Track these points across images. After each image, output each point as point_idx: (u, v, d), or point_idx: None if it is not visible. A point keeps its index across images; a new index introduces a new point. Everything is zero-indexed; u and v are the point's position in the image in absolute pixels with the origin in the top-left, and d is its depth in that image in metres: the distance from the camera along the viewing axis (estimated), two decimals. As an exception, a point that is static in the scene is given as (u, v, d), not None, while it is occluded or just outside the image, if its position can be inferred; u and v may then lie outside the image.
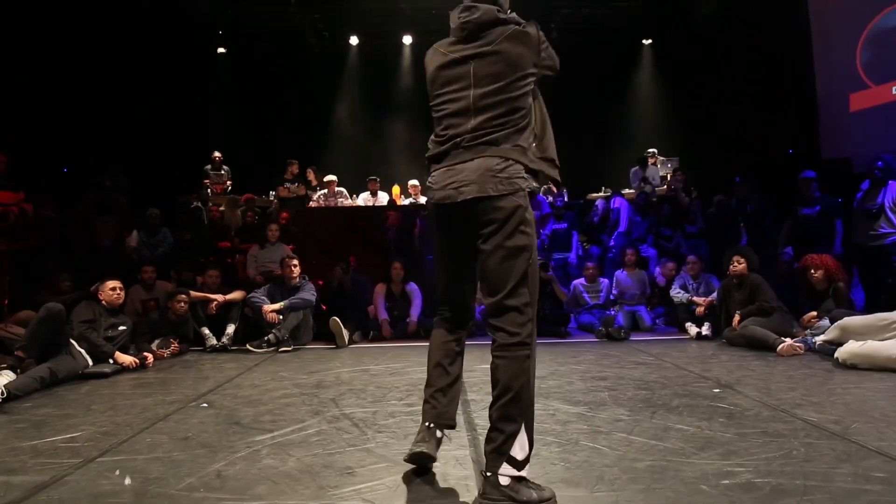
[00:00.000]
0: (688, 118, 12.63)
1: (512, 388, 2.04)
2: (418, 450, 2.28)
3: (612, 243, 8.58)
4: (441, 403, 2.33)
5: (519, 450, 2.02)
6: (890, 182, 6.38)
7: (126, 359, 4.87)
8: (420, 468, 2.39)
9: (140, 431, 3.04)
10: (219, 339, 5.96)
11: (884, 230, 6.28)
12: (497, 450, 2.02)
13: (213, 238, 8.48)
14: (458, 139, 2.23)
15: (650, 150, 10.93)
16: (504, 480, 2.00)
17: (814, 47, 10.50)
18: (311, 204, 10.34)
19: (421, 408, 2.38)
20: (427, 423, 2.33)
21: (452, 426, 2.37)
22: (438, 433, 2.34)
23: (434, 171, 2.31)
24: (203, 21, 12.17)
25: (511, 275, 2.10)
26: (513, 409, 2.03)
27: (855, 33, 9.88)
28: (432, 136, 2.36)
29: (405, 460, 2.35)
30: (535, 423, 2.12)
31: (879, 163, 6.41)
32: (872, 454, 2.50)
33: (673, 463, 2.43)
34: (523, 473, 2.01)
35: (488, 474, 2.03)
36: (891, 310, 4.63)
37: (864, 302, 6.43)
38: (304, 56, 13.06)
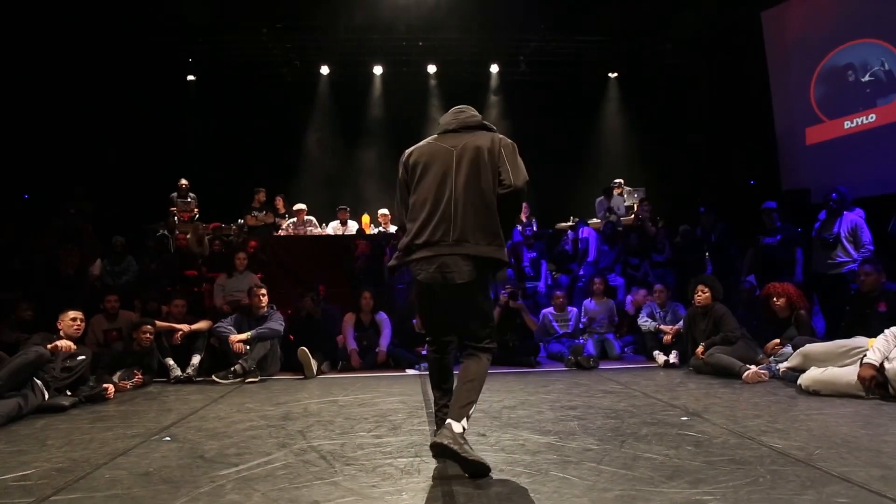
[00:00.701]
0: (653, 149, 12.94)
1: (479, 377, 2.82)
2: (435, 441, 2.71)
3: (581, 272, 8.66)
4: (447, 400, 2.96)
5: (471, 411, 2.73)
6: (844, 213, 6.60)
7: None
8: None
9: (98, 467, 2.94)
10: (183, 370, 5.83)
11: (841, 259, 6.48)
12: (461, 409, 2.71)
13: (179, 266, 8.34)
14: None
15: (616, 180, 11.13)
16: (457, 427, 2.66)
17: (771, 83, 10.91)
18: (280, 232, 10.27)
19: (385, 443, 2.44)
20: (441, 420, 2.92)
21: (458, 419, 2.76)
22: (455, 427, 2.74)
23: None
24: (173, 48, 12.14)
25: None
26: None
27: (809, 71, 10.32)
28: None
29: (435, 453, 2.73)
30: (505, 454, 2.75)
31: (834, 194, 6.63)
32: (835, 480, 2.53)
33: (642, 492, 2.44)
34: (466, 425, 2.71)
35: (447, 421, 2.69)
36: (850, 336, 4.75)
37: (824, 329, 6.58)
38: (275, 85, 13.09)
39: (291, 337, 6.57)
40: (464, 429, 2.68)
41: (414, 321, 7.05)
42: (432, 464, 2.88)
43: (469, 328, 2.90)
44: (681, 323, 6.42)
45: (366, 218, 10.80)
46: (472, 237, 2.79)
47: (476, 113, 3.06)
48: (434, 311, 3.00)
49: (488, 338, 2.90)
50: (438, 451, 2.66)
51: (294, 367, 6.13)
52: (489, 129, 3.03)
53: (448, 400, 2.96)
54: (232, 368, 5.76)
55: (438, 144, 2.98)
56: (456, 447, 2.61)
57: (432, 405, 3.12)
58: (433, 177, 2.89)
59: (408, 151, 3.05)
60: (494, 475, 2.69)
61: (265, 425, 3.81)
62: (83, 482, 2.72)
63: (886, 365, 4.21)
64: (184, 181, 10.45)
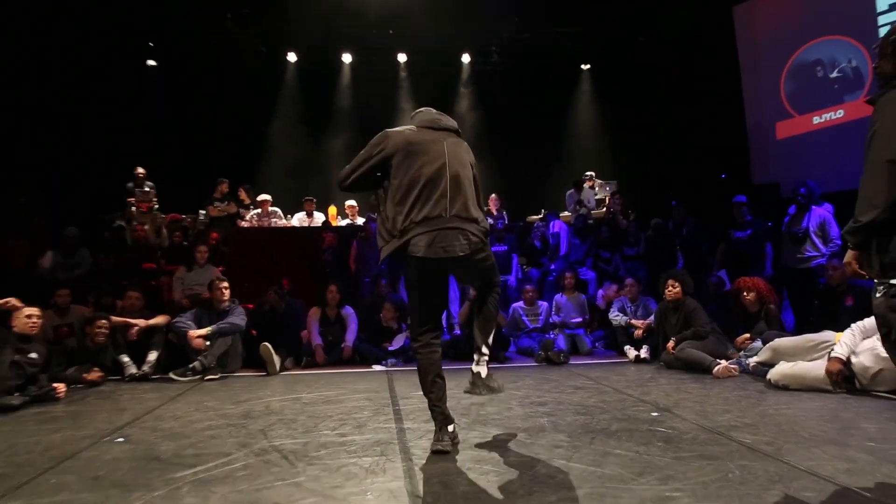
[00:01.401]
0: (625, 142, 13.04)
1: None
2: (438, 448, 2.99)
3: (552, 267, 8.69)
4: (443, 408, 3.06)
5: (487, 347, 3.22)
6: (813, 207, 6.71)
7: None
8: None
9: (44, 472, 2.84)
10: (139, 368, 5.70)
11: (809, 253, 6.60)
12: (483, 350, 3.19)
13: (137, 259, 8.16)
14: None
15: (588, 172, 11.19)
16: (483, 371, 3.18)
17: (742, 77, 11.08)
18: (243, 224, 10.11)
19: (349, 442, 2.35)
20: (440, 426, 3.06)
21: (452, 421, 3.11)
22: (450, 428, 3.07)
23: None
24: (133, 31, 11.83)
25: None
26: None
27: (779, 65, 10.49)
28: None
29: (435, 452, 2.98)
30: (473, 452, 2.97)
31: (802, 189, 6.74)
32: (803, 474, 2.57)
33: (612, 490, 2.43)
34: (486, 358, 3.21)
35: (475, 370, 3.18)
36: (818, 331, 4.84)
37: (793, 323, 6.70)
38: (240, 72, 12.84)
39: (254, 332, 6.47)
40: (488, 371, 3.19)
41: (381, 315, 7.01)
42: (398, 463, 2.84)
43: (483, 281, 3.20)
44: (652, 317, 6.47)
45: (332, 209, 10.69)
46: (468, 213, 3.02)
47: (451, 121, 3.25)
48: (430, 292, 3.09)
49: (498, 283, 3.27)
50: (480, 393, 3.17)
51: (256, 363, 6.04)
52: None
53: (442, 398, 3.07)
54: (191, 365, 5.65)
55: (425, 134, 3.10)
56: (493, 387, 3.18)
57: (398, 403, 3.10)
58: (429, 159, 3.02)
59: (389, 132, 3.09)
60: (461, 474, 2.67)
61: (225, 424, 3.73)
62: (26, 488, 2.62)
63: (853, 359, 4.30)
64: (140, 169, 10.17)
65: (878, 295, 2.29)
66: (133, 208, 9.79)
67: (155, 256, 8.35)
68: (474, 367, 3.20)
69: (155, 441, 3.35)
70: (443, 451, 2.97)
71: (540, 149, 13.17)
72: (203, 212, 10.11)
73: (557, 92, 13.88)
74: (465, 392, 3.23)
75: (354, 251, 8.64)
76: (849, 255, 2.47)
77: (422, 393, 3.08)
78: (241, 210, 10.27)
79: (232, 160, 11.98)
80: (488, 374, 3.20)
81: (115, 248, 8.48)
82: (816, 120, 9.91)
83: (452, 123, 3.23)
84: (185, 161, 11.85)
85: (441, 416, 3.05)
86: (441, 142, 3.08)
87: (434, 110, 3.26)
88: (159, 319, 6.05)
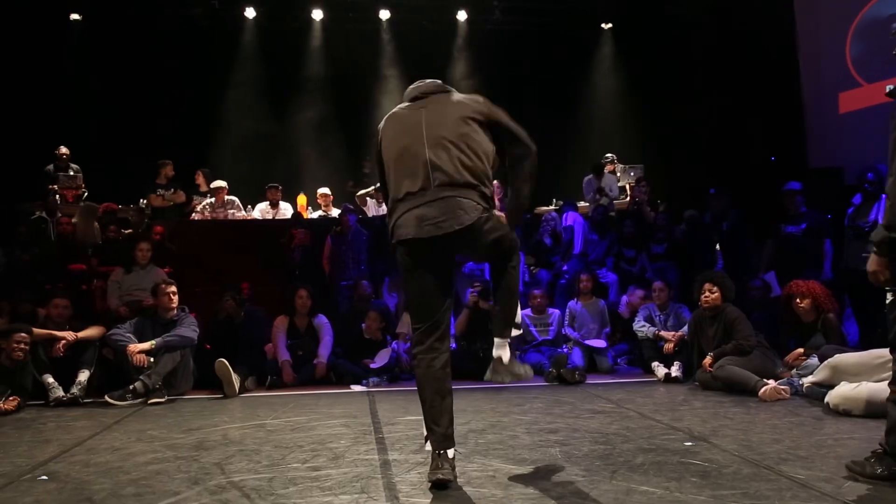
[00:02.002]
0: (654, 119, 13.07)
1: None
2: (438, 477, 2.97)
3: (565, 268, 8.73)
4: (443, 427, 3.05)
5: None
6: (883, 196, 6.74)
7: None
8: None
9: (-45, 513, 2.85)
10: (67, 390, 5.68)
11: (878, 252, 6.62)
12: (506, 329, 3.31)
13: (62, 259, 8.14)
14: None
15: (608, 155, 11.23)
16: (506, 356, 3.25)
17: (799, 39, 11.05)
18: (195, 216, 10.10)
19: (324, 477, 2.38)
20: (437, 451, 3.03)
21: (453, 445, 3.08)
22: (450, 453, 3.05)
23: None
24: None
25: None
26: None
27: (844, 23, 10.40)
28: None
29: (431, 489, 2.98)
30: (471, 489, 2.97)
31: (870, 174, 6.76)
32: (867, 516, 2.61)
33: (638, 533, 2.47)
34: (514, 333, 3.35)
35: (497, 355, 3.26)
36: (887, 345, 4.87)
37: (857, 336, 6.74)
38: (186, 30, 12.81)
39: (208, 346, 6.48)
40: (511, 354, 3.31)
41: (363, 325, 7.04)
42: (381, 501, 2.87)
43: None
44: (685, 329, 6.51)
45: (302, 199, 10.70)
46: (461, 176, 3.06)
47: (435, 80, 3.37)
48: (426, 282, 3.15)
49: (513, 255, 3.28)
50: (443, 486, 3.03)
51: (211, 383, 6.05)
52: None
53: (444, 417, 3.08)
54: (131, 386, 5.64)
55: (405, 109, 3.29)
56: (517, 373, 3.32)
57: (382, 430, 3.12)
58: (403, 129, 3.21)
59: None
60: (458, 515, 2.69)
61: (173, 457, 3.74)
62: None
63: (928, 379, 4.33)
64: (63, 149, 10.13)
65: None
66: (56, 196, 9.76)
67: (85, 255, 8.32)
68: (495, 351, 3.27)
69: (87, 479, 3.36)
70: (443, 481, 2.97)
71: (551, 126, 13.13)
72: (143, 201, 10.09)
73: (572, 57, 13.90)
74: (486, 378, 3.34)
75: (328, 249, 8.65)
76: (876, 263, 2.67)
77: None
78: (196, 199, 10.27)
79: (177, 138, 11.93)
80: (511, 359, 3.28)
81: (35, 244, 8.45)
82: (890, 89, 9.88)
83: (434, 83, 3.33)
84: (120, 139, 11.81)
85: (441, 439, 3.04)
86: (419, 109, 3.22)
87: (424, 81, 3.36)
88: (91, 332, 6.03)
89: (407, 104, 3.31)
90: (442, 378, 3.13)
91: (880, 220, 6.85)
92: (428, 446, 3.07)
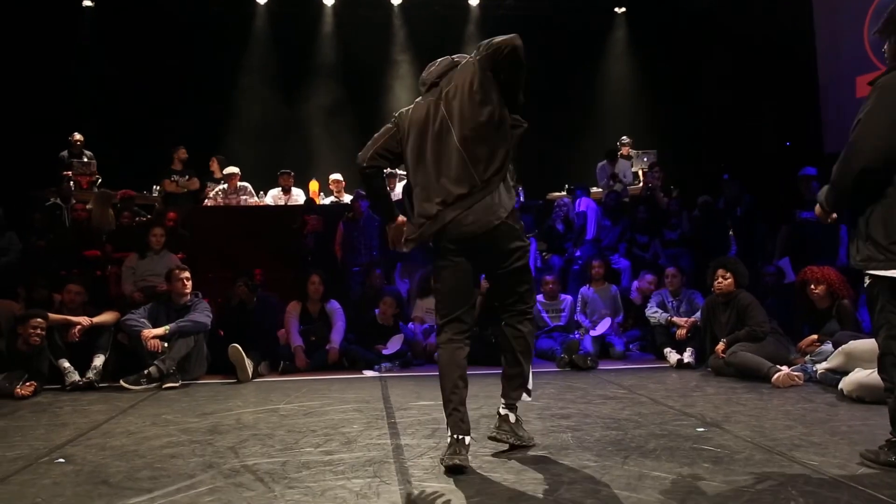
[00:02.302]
0: (668, 103, 12.99)
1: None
2: (455, 462, 3.06)
3: (577, 253, 8.71)
4: (463, 414, 3.18)
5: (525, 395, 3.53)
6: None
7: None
8: None
9: (-27, 496, 2.89)
10: (83, 375, 5.73)
11: (893, 238, 6.57)
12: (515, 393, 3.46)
13: (77, 245, 8.20)
14: None
15: (623, 138, 11.17)
16: (512, 419, 3.41)
17: (815, 19, 10.90)
18: (208, 202, 10.13)
19: (336, 461, 2.39)
20: (456, 436, 3.12)
21: (469, 433, 3.20)
22: (467, 440, 3.15)
23: None
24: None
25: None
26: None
27: (863, 5, 10.26)
28: None
29: (445, 473, 3.05)
30: (483, 473, 2.98)
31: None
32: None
33: (649, 518, 2.47)
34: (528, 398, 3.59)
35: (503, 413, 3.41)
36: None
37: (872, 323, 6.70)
38: (200, 16, 12.80)
39: (221, 332, 6.51)
40: (517, 417, 3.44)
41: (377, 311, 7.05)
42: (394, 486, 2.88)
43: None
44: (697, 315, 6.50)
45: (314, 185, 10.70)
46: (472, 181, 3.16)
47: (446, 59, 3.41)
48: (451, 279, 3.30)
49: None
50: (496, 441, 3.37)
51: (224, 368, 6.09)
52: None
53: (462, 404, 3.21)
54: (145, 371, 5.69)
55: (421, 100, 3.36)
56: (514, 440, 3.38)
57: (394, 415, 3.12)
58: (417, 131, 3.28)
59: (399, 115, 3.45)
60: (469, 499, 2.71)
61: (187, 441, 3.77)
62: (-47, 513, 2.68)
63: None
64: (77, 136, 10.18)
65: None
66: (71, 183, 9.82)
67: (99, 241, 8.37)
68: (501, 410, 3.43)
69: (103, 462, 3.40)
70: (459, 467, 3.04)
71: (564, 111, 13.11)
72: (157, 187, 10.14)
73: (585, 42, 13.80)
74: (489, 438, 3.40)
75: (341, 235, 8.67)
76: (817, 210, 3.56)
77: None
78: (210, 185, 10.31)
79: (190, 125, 11.92)
80: (517, 422, 3.44)
81: (50, 231, 8.51)
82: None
83: (446, 61, 3.38)
84: (133, 126, 11.83)
85: (459, 425, 3.13)
86: (429, 101, 3.29)
87: (437, 62, 3.41)
88: (106, 317, 6.07)
89: (425, 94, 3.36)
90: (462, 367, 3.23)
91: None
92: (451, 434, 3.13)
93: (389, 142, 3.38)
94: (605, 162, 10.66)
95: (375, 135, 3.43)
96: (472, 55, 3.22)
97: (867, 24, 10.18)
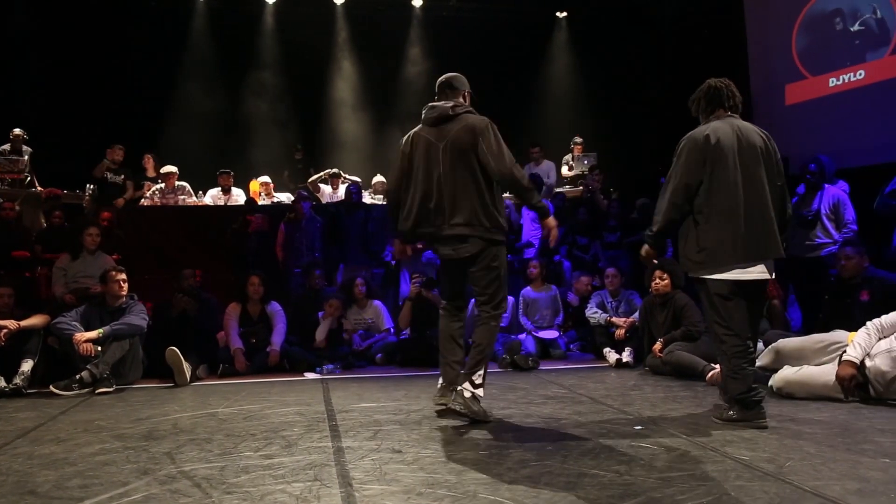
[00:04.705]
0: (608, 107, 13.21)
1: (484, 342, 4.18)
2: (439, 405, 4.16)
3: (528, 254, 8.77)
4: (455, 370, 4.16)
5: (478, 377, 4.07)
6: (826, 186, 6.92)
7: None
8: None
9: None
10: (9, 380, 5.55)
11: (820, 240, 6.81)
12: (467, 374, 4.06)
13: (5, 245, 7.93)
14: None
15: (575, 138, 11.42)
16: (466, 393, 4.00)
17: (747, 30, 11.24)
18: (144, 202, 9.92)
19: (276, 465, 2.65)
20: (445, 384, 4.17)
21: (463, 383, 4.05)
22: (466, 394, 3.98)
23: None
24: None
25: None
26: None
27: (791, 16, 10.61)
28: None
29: (437, 413, 4.15)
30: (424, 474, 3.05)
31: (812, 165, 6.93)
32: (808, 496, 2.69)
33: (588, 516, 2.51)
34: (479, 392, 4.05)
35: (457, 388, 4.05)
36: (828, 330, 5.02)
37: (800, 321, 6.93)
38: (136, 10, 12.53)
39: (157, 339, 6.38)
40: (474, 393, 4.03)
41: (320, 314, 7.02)
42: (335, 489, 2.87)
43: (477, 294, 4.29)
44: (636, 315, 6.62)
45: (255, 185, 10.58)
46: (465, 219, 4.05)
47: (447, 104, 4.19)
48: (447, 279, 4.44)
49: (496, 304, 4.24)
50: (447, 414, 4.12)
51: (161, 372, 5.97)
52: (465, 113, 4.19)
53: (456, 361, 4.21)
54: (77, 376, 5.53)
55: (425, 136, 4.20)
56: (466, 411, 4.00)
57: (335, 417, 3.12)
58: (424, 169, 4.16)
59: (404, 138, 4.34)
60: (410, 501, 2.71)
61: (121, 447, 3.69)
62: None
63: (867, 363, 4.48)
64: (17, 130, 9.81)
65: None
66: (-1, 180, 9.50)
67: (28, 242, 8.12)
68: (460, 382, 4.09)
69: (30, 471, 3.29)
70: (443, 407, 3.94)
71: (505, 114, 13.14)
72: (91, 186, 9.86)
73: (527, 44, 13.96)
74: (435, 401, 4.21)
75: (282, 236, 8.58)
76: (644, 251, 4.43)
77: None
78: (147, 183, 10.10)
79: (126, 122, 11.69)
80: (471, 397, 4.02)
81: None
82: (833, 82, 10.10)
83: (445, 110, 4.15)
84: (63, 121, 11.48)
85: (454, 377, 4.07)
86: (438, 145, 4.13)
87: (430, 104, 4.26)
88: (35, 320, 5.88)
89: (424, 128, 4.23)
90: (457, 332, 4.29)
91: (823, 210, 7.06)
92: (440, 381, 4.18)
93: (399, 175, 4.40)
94: (531, 163, 10.72)
95: None
96: (475, 127, 4.11)
97: (795, 36, 10.55)
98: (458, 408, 3.96)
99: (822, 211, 6.82)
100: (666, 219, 4.07)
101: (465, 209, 4.02)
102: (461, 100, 4.29)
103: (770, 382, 4.83)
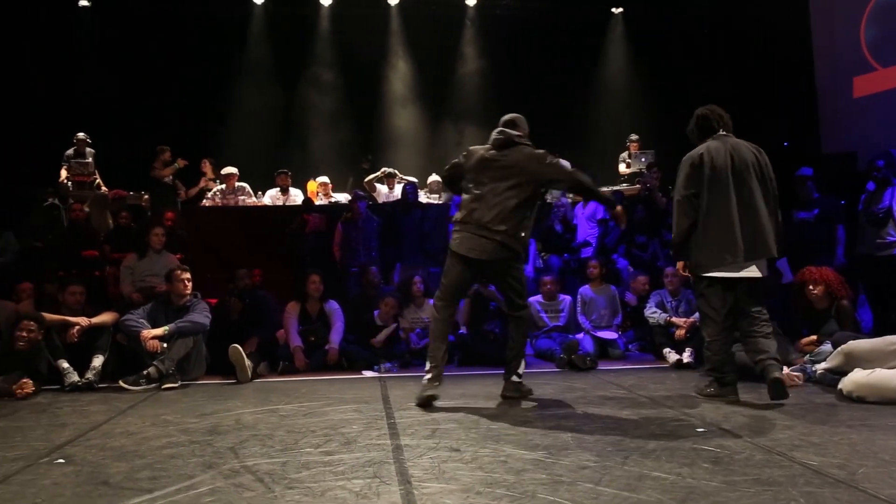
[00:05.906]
0: (665, 104, 12.99)
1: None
2: (428, 394, 4.64)
3: (585, 254, 8.70)
4: (441, 368, 4.72)
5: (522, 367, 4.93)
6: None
7: None
8: None
9: (-27, 497, 2.89)
10: (82, 375, 5.71)
11: (892, 238, 6.58)
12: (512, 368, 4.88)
13: (75, 245, 8.18)
14: None
15: (631, 136, 11.35)
16: (515, 379, 4.85)
17: (813, 22, 10.94)
18: (206, 203, 10.13)
19: (336, 461, 2.62)
20: (433, 383, 4.67)
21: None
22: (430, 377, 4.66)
23: None
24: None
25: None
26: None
27: (859, 7, 10.29)
28: None
29: (417, 404, 4.59)
30: (483, 473, 3.10)
31: (880, 161, 6.71)
32: None
33: (650, 518, 2.48)
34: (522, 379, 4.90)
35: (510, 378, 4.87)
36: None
37: (871, 323, 6.72)
38: (196, 16, 12.77)
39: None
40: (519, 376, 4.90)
41: (375, 312, 7.07)
42: (394, 486, 2.89)
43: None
44: (696, 315, 6.50)
45: (312, 185, 10.70)
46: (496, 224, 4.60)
47: (513, 132, 4.80)
48: (452, 276, 4.81)
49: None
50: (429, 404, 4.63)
51: (223, 369, 6.08)
52: (526, 145, 4.80)
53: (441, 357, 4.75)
54: (145, 372, 5.68)
55: (491, 156, 4.76)
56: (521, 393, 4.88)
57: (393, 415, 3.13)
58: (489, 181, 4.71)
59: (471, 149, 4.94)
60: (469, 500, 2.71)
61: (187, 441, 3.78)
62: (-46, 514, 2.68)
63: (943, 365, 4.32)
64: (81, 135, 10.15)
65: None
66: (69, 183, 9.81)
67: (97, 242, 8.36)
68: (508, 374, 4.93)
69: (103, 462, 3.40)
70: (432, 397, 4.58)
71: (560, 112, 13.11)
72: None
73: (582, 42, 13.81)
74: (501, 395, 4.86)
75: (339, 236, 8.65)
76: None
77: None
78: (209, 183, 10.33)
79: (186, 125, 11.94)
80: (520, 381, 4.89)
81: (48, 231, 8.50)
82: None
83: (511, 134, 4.77)
84: (128, 126, 11.80)
85: (437, 373, 4.68)
86: (502, 163, 4.71)
87: (497, 130, 4.82)
88: (105, 317, 6.05)
89: (491, 149, 4.79)
90: (445, 326, 4.75)
91: (894, 207, 6.82)
92: (427, 376, 4.64)
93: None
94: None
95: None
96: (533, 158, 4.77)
97: (863, 26, 10.21)
98: (513, 394, 4.82)
99: (894, 208, 6.60)
100: (680, 229, 4.73)
101: (509, 221, 4.60)
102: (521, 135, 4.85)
103: (839, 385, 4.70)
